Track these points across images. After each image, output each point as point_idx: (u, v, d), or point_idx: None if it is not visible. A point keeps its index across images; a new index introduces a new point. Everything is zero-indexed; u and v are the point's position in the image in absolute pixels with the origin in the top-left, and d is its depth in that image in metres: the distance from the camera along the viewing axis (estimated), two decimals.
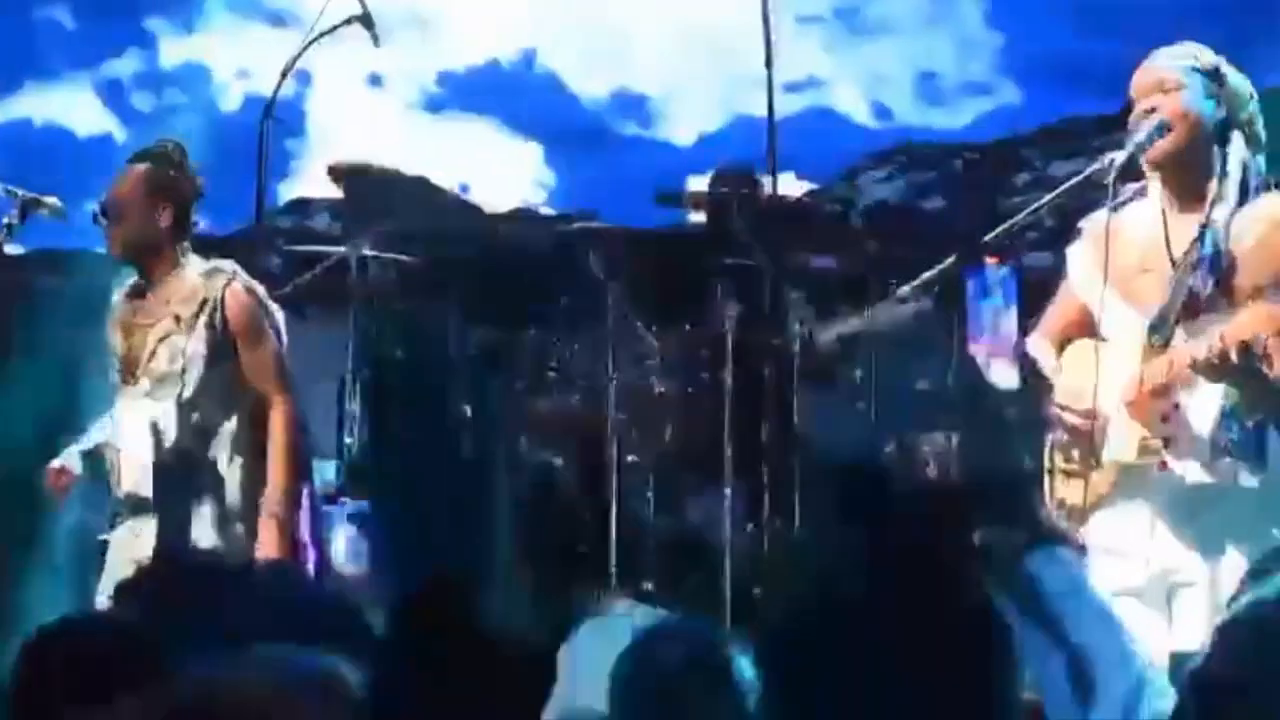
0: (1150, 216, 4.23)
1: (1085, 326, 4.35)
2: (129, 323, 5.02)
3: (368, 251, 6.07)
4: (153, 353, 4.95)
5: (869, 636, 1.60)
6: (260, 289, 5.05)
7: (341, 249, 6.14)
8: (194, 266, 5.01)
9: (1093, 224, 4.30)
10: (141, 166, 5.00)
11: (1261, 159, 4.21)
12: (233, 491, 4.93)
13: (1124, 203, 4.28)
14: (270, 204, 5.40)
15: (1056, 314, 4.49)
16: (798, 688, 1.64)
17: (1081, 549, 4.34)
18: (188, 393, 4.92)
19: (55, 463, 5.09)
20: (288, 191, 12.28)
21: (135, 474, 4.92)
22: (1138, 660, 2.11)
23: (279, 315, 5.04)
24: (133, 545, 4.83)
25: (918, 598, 1.62)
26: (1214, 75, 4.18)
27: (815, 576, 1.74)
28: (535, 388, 6.45)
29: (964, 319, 4.60)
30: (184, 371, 4.92)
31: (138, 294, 5.05)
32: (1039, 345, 4.49)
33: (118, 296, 5.10)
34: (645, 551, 6.38)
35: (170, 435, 4.91)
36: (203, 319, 4.92)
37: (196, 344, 4.91)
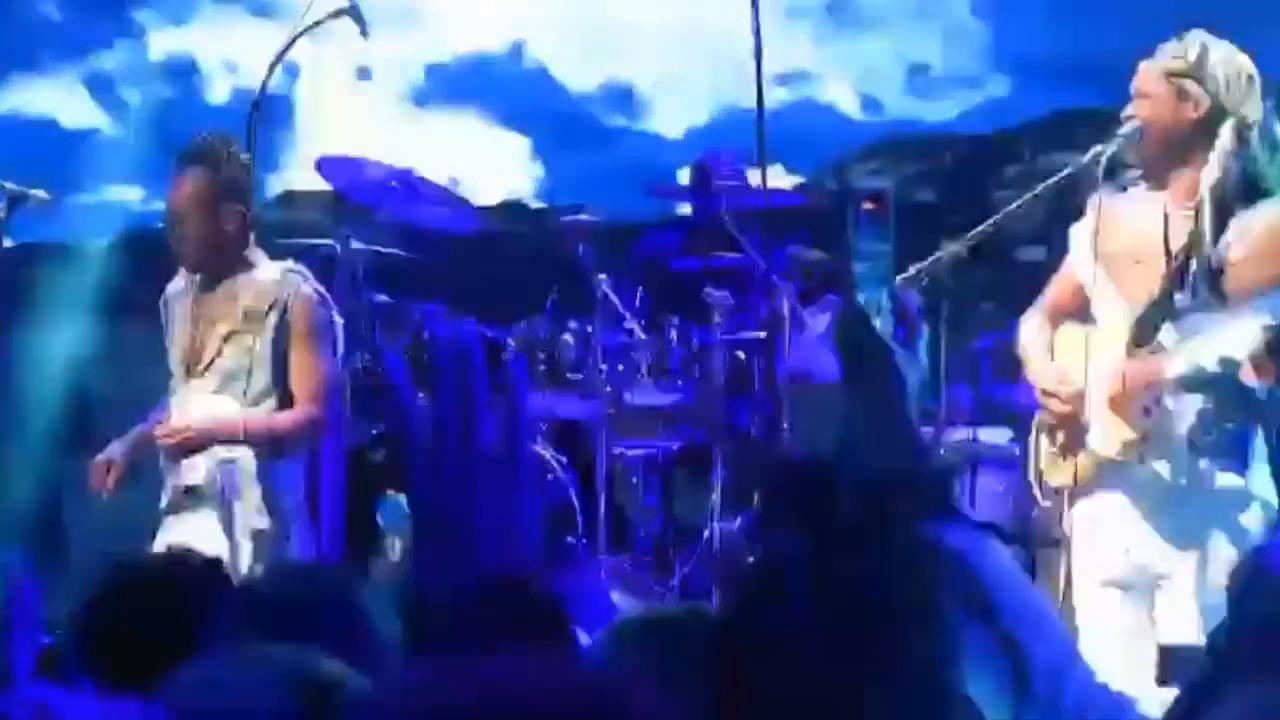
0: (1153, 208, 4.22)
1: (1081, 306, 4.35)
2: (196, 316, 5.01)
3: (355, 244, 6.06)
4: (219, 349, 4.95)
5: (811, 633, 1.59)
6: (329, 299, 5.06)
7: (329, 242, 6.13)
8: (266, 266, 5.01)
9: (1098, 202, 4.29)
10: (197, 173, 4.94)
11: (1264, 146, 4.19)
12: (287, 493, 4.98)
13: (1128, 188, 4.28)
14: (258, 196, 5.37)
15: (1054, 291, 4.49)
16: (748, 678, 1.64)
17: (1057, 543, 4.35)
18: (254, 391, 4.93)
19: (101, 457, 5.08)
20: (276, 184, 12.27)
21: (196, 466, 4.92)
22: (1076, 655, 2.11)
23: (339, 330, 5.07)
24: (191, 538, 4.82)
25: (856, 593, 1.61)
26: (1191, 74, 4.15)
27: (760, 572, 1.73)
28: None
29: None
30: (251, 370, 4.92)
31: (205, 288, 5.03)
32: (1034, 321, 4.49)
33: (181, 288, 5.09)
34: (634, 541, 6.39)
35: None
36: (272, 320, 4.92)
37: (265, 344, 4.92)
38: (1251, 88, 4.14)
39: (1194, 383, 3.98)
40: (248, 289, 4.97)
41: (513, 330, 6.49)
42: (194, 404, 4.95)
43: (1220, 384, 3.93)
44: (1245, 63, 4.17)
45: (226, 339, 4.94)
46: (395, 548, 5.66)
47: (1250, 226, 4.11)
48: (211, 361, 4.96)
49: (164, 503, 4.98)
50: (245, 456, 4.90)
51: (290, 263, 5.08)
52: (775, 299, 6.19)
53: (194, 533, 4.78)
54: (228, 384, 4.93)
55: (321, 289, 5.06)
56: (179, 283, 5.11)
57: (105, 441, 5.17)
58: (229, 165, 4.94)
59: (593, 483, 6.27)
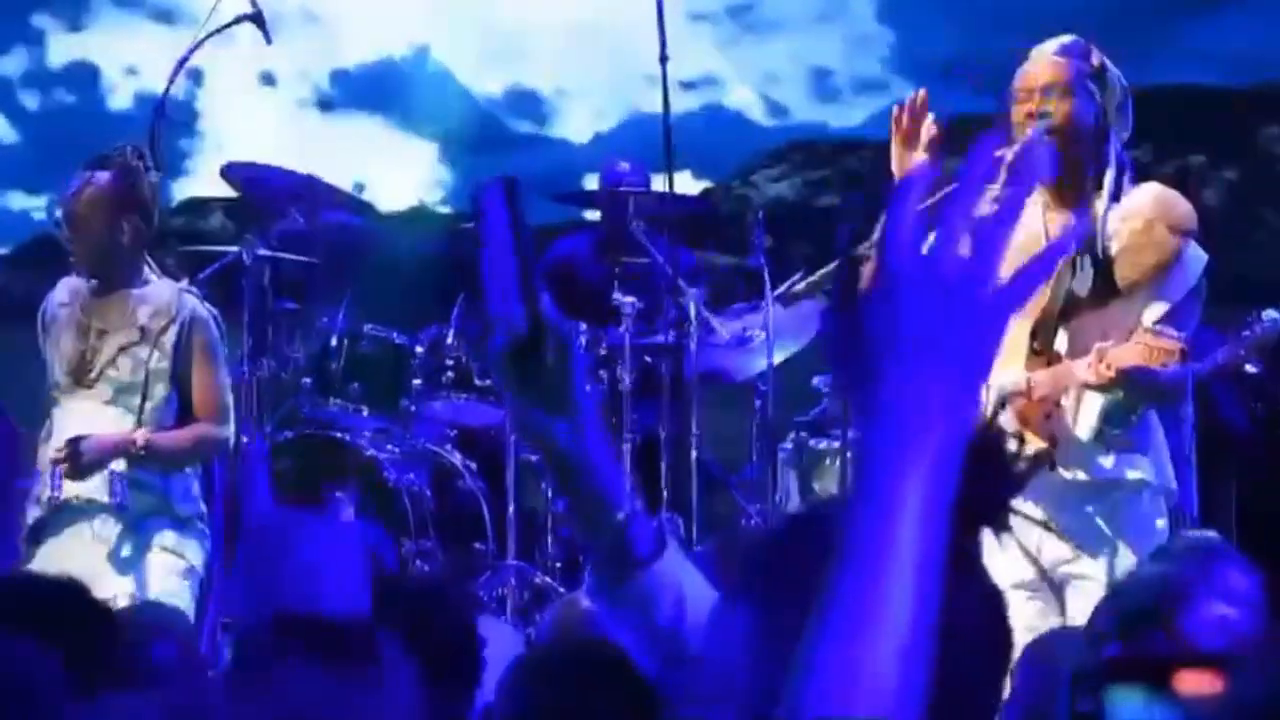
0: (1030, 215, 4.29)
1: None
2: (85, 325, 4.97)
3: (261, 251, 6.02)
4: (112, 360, 4.92)
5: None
6: (220, 319, 5.09)
7: (235, 249, 6.09)
8: (159, 283, 5.01)
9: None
10: (103, 178, 4.90)
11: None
12: (182, 503, 4.97)
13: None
14: (163, 204, 5.33)
15: None
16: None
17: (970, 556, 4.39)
18: (150, 405, 4.90)
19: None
20: (180, 191, 12.19)
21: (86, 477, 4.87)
22: None
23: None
24: (80, 550, 4.77)
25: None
26: (1098, 77, 4.25)
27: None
28: (432, 386, 6.43)
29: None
30: (146, 384, 4.90)
31: (96, 297, 4.99)
32: None
33: (67, 296, 5.04)
34: (543, 547, 6.39)
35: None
36: (170, 336, 4.92)
37: (162, 360, 4.91)
38: (1126, 99, 4.28)
39: (1101, 389, 4.04)
40: (143, 304, 4.96)
41: (420, 336, 6.47)
42: (83, 414, 4.91)
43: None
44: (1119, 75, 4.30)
45: (121, 351, 4.92)
46: None
47: (1126, 218, 4.21)
48: (103, 372, 4.93)
49: (34, 519, 4.93)
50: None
51: (184, 283, 5.11)
52: (683, 303, 6.22)
53: (82, 552, 4.75)
54: (120, 396, 4.91)
55: (214, 310, 5.10)
56: (64, 291, 5.06)
57: None
58: (133, 176, 4.92)
59: (501, 489, 6.26)
